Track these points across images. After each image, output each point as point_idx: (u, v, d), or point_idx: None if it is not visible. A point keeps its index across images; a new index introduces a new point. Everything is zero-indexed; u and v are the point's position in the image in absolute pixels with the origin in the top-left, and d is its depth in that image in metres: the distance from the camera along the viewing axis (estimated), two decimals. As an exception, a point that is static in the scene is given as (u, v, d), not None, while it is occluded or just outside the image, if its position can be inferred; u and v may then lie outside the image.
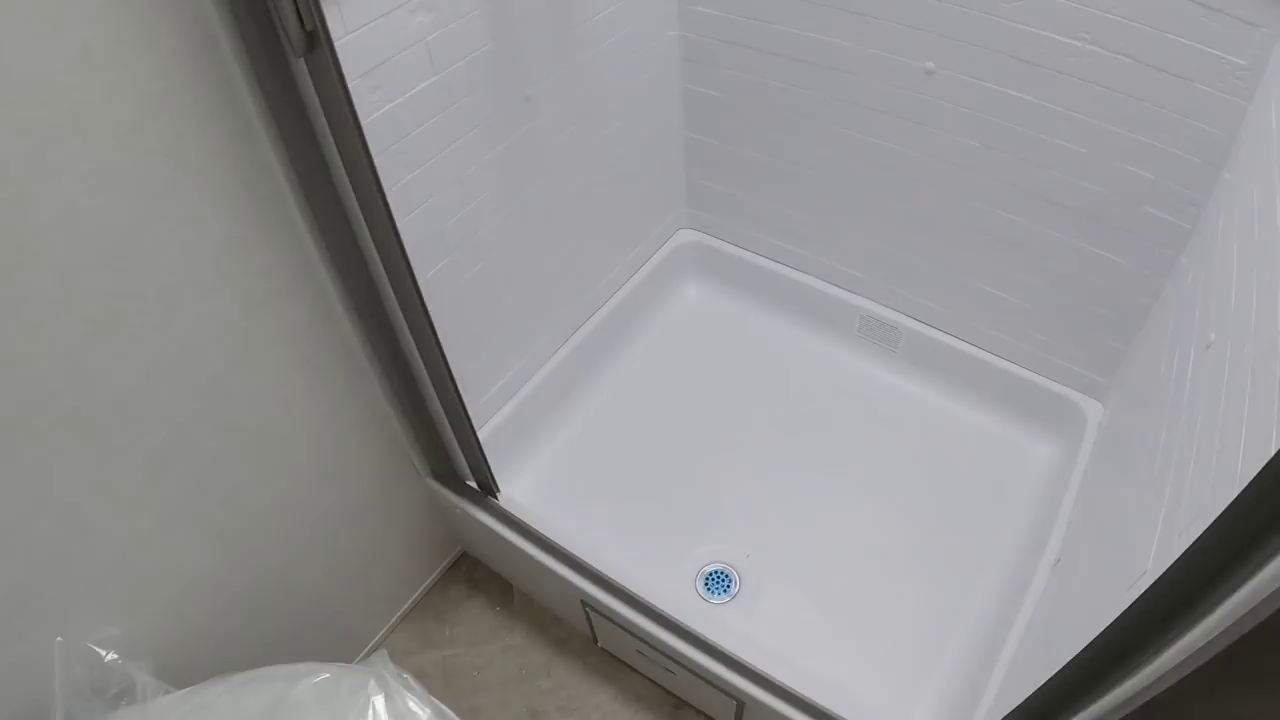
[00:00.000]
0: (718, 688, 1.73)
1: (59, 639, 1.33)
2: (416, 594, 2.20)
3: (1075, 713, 1.10)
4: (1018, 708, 1.25)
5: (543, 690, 2.01)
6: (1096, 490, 1.74)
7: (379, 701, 1.32)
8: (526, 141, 1.91)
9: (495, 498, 1.90)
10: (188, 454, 1.42)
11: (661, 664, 1.85)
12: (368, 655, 2.02)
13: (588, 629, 2.04)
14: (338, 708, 1.31)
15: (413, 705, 1.32)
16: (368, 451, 1.80)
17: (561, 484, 2.03)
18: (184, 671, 1.41)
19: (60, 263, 1.13)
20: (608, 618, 1.83)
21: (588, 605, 1.86)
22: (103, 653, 1.35)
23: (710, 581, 2.06)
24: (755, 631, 1.77)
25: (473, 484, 1.92)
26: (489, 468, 1.83)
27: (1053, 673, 1.12)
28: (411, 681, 1.35)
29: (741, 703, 1.73)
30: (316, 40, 1.11)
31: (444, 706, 1.35)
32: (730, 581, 2.06)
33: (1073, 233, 1.92)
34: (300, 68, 1.17)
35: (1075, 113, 1.74)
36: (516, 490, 1.98)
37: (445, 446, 1.82)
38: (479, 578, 2.26)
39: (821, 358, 2.48)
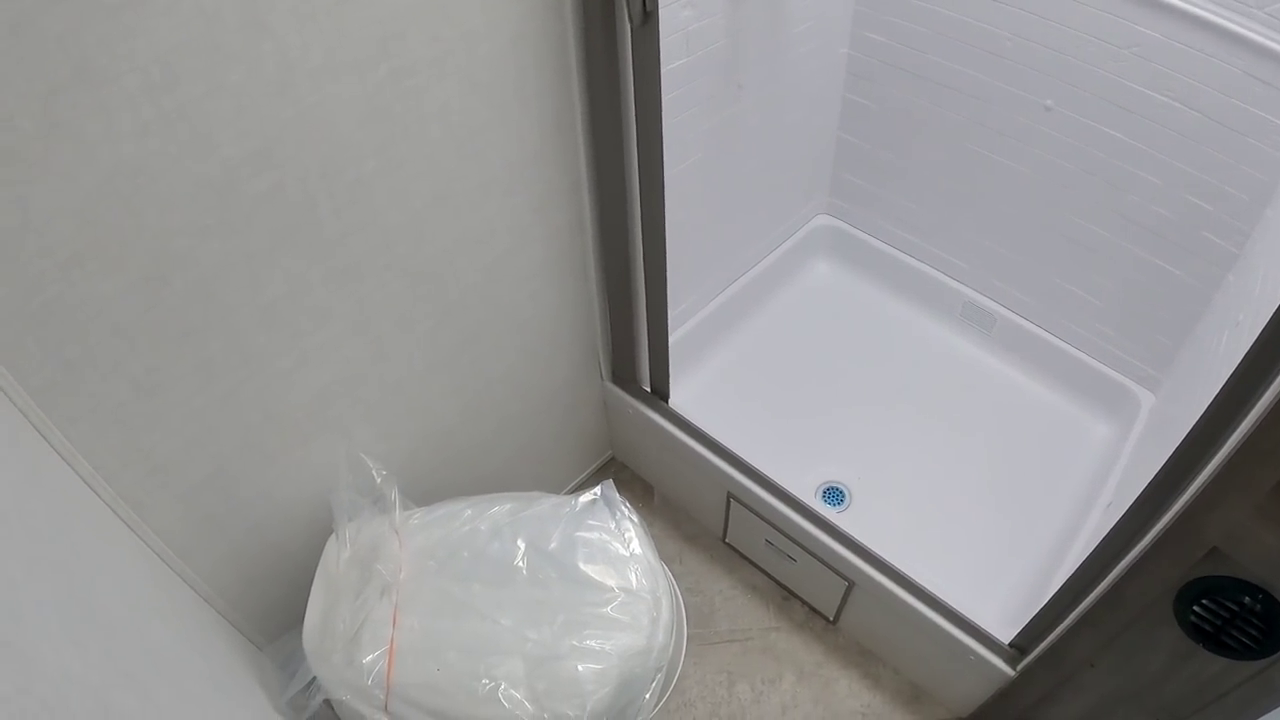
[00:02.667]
0: (833, 569, 1.97)
1: (344, 444, 1.60)
2: (570, 485, 2.44)
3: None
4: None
5: (675, 574, 2.16)
6: (1143, 461, 1.96)
7: (608, 519, 1.58)
8: (729, 121, 2.21)
9: (666, 401, 2.17)
10: (461, 316, 1.68)
11: (785, 552, 2.10)
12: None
13: (721, 523, 2.24)
14: (573, 520, 1.57)
15: (631, 530, 1.57)
16: (571, 348, 2.02)
17: (708, 407, 2.24)
18: (416, 498, 1.65)
19: (429, 143, 1.41)
20: (747, 506, 2.08)
21: (732, 495, 2.11)
22: (371, 464, 1.57)
23: (827, 494, 2.34)
24: (862, 537, 1.99)
25: (647, 388, 2.19)
26: (668, 374, 2.10)
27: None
28: (631, 510, 1.59)
29: (852, 583, 1.97)
30: (650, 16, 1.43)
31: (650, 540, 1.58)
32: (844, 496, 2.34)
33: (1143, 247, 2.21)
34: (625, 35, 1.48)
35: (1155, 151, 2.04)
36: (675, 403, 2.23)
37: (634, 352, 2.09)
38: (624, 479, 2.50)
39: (927, 333, 2.74)
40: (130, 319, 1.13)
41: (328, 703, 1.43)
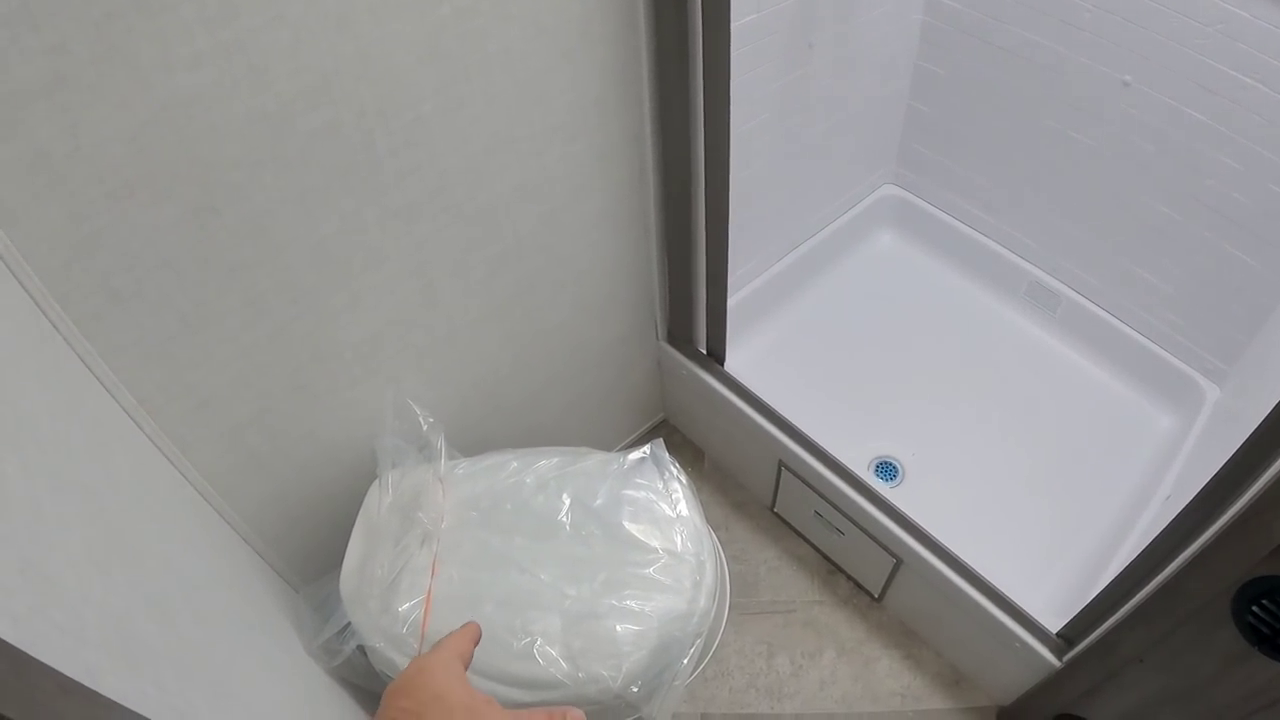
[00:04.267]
0: (882, 545, 1.94)
1: (391, 388, 1.57)
2: (620, 445, 2.41)
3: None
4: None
5: (720, 541, 2.12)
6: (1205, 455, 1.87)
7: (656, 479, 1.55)
8: (799, 82, 2.17)
9: (721, 364, 2.14)
10: (517, 265, 1.66)
11: (833, 525, 2.06)
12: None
13: (770, 492, 2.22)
14: (620, 478, 1.53)
15: (679, 491, 1.53)
16: (628, 304, 1.99)
17: (763, 374, 2.21)
18: (462, 449, 1.62)
19: (490, 85, 1.38)
20: (798, 475, 2.05)
21: (784, 464, 2.08)
22: (418, 411, 1.55)
23: (880, 469, 2.30)
24: (913, 514, 1.95)
25: (703, 350, 2.15)
26: (725, 337, 2.07)
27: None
28: (679, 471, 1.56)
29: (900, 561, 1.93)
30: None
31: (698, 503, 1.54)
32: (897, 471, 2.30)
33: (1219, 234, 2.11)
34: None
35: (1238, 135, 1.95)
36: (730, 367, 2.19)
37: (692, 313, 2.05)
38: (674, 442, 2.47)
39: (989, 311, 2.68)
40: (179, 251, 1.12)
41: (361, 649, 1.43)
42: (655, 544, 1.42)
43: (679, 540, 1.44)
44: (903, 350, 2.59)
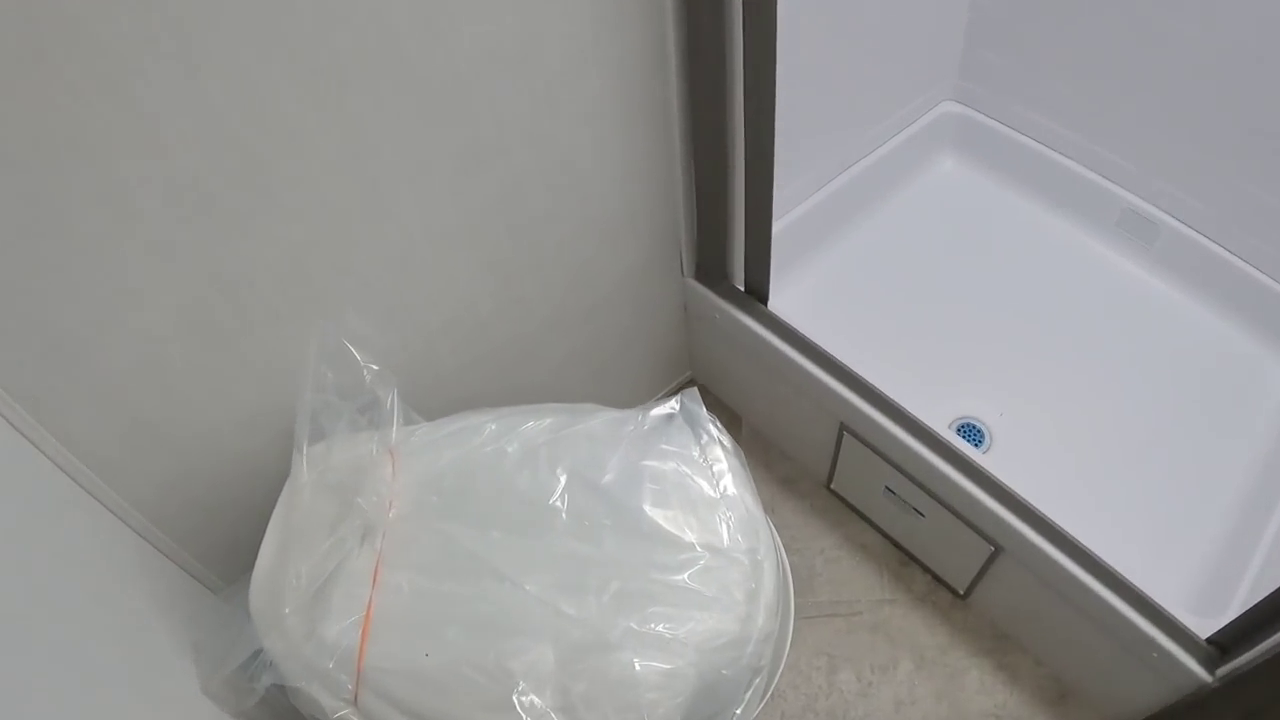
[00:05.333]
0: (975, 527, 1.61)
1: (321, 323, 1.23)
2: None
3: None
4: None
5: None
6: None
7: (689, 443, 1.19)
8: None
9: (765, 304, 1.80)
10: (496, 163, 1.32)
11: (910, 503, 1.75)
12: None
13: (827, 464, 1.92)
14: (639, 444, 1.18)
15: (723, 459, 1.18)
16: (644, 227, 1.69)
17: (811, 317, 1.91)
18: (429, 412, 1.31)
19: None
20: (865, 441, 1.73)
21: (846, 427, 1.76)
22: (358, 356, 1.24)
23: (963, 434, 1.96)
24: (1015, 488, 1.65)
25: (740, 287, 1.82)
26: (768, 269, 1.73)
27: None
28: (722, 431, 1.21)
29: (999, 548, 1.61)
30: None
31: (749, 477, 1.21)
32: (982, 436, 1.96)
33: None
34: None
35: None
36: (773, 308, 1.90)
37: (727, 238, 1.72)
38: (705, 405, 2.17)
39: (1075, 245, 2.37)
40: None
41: (282, 687, 1.08)
42: (691, 538, 1.08)
43: (725, 531, 1.09)
44: (974, 293, 2.27)
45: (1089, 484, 1.90)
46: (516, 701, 0.95)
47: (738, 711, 1.00)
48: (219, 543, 1.31)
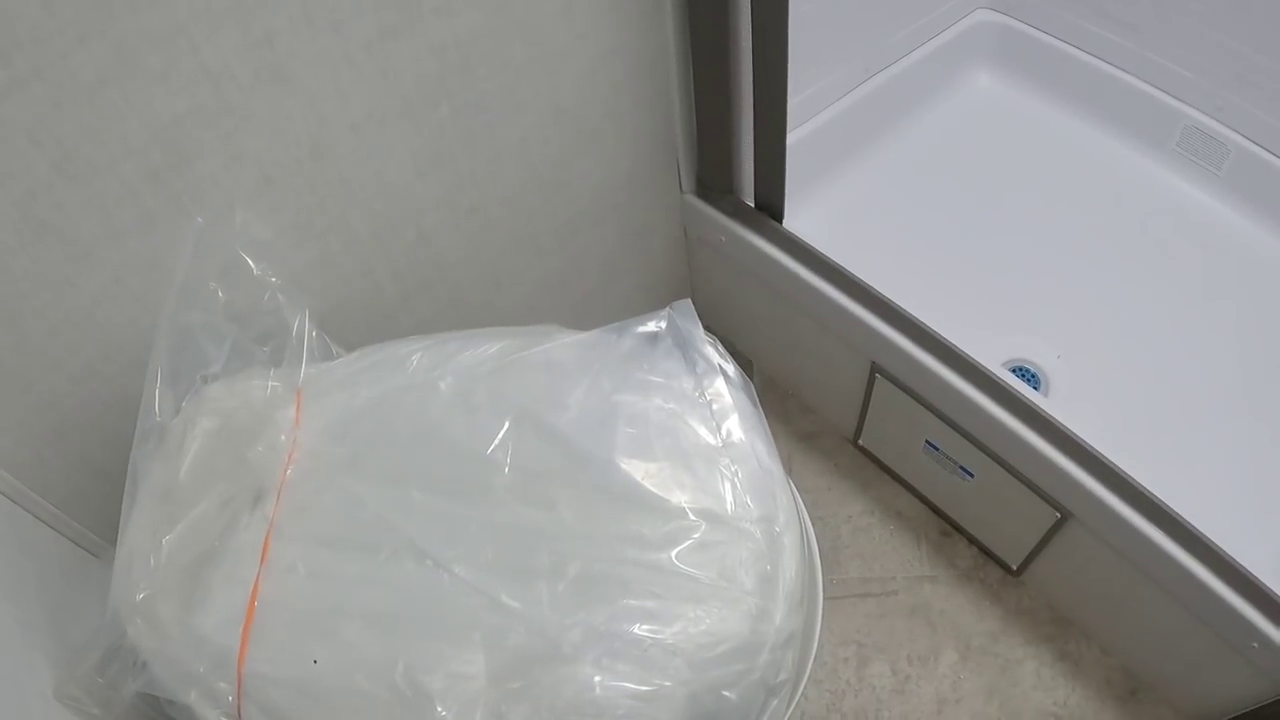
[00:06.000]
0: (1038, 489, 1.42)
1: (200, 220, 1.01)
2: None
3: None
4: None
5: None
6: None
7: (680, 373, 0.93)
8: None
9: (779, 221, 1.59)
10: (454, 26, 1.11)
11: (955, 460, 1.55)
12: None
13: (855, 416, 1.75)
14: (613, 372, 0.92)
15: (725, 394, 0.92)
16: (634, 126, 1.46)
17: (833, 242, 1.73)
18: (354, 344, 1.08)
19: None
20: (901, 385, 1.53)
21: (878, 368, 1.56)
22: (254, 266, 1.02)
23: (1016, 375, 1.75)
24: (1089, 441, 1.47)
25: (750, 203, 1.62)
26: (783, 181, 1.52)
27: None
28: (724, 357, 0.96)
29: (1066, 514, 1.41)
30: None
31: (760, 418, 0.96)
32: (1038, 381, 1.79)
33: None
34: None
35: None
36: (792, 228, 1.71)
37: (732, 146, 1.51)
38: None
39: (1132, 168, 2.22)
40: None
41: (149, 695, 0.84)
42: (682, 500, 0.81)
43: (729, 493, 0.82)
44: (1016, 221, 2.12)
45: (1167, 437, 1.73)
46: None
47: None
48: (107, 504, 1.08)
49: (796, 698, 0.87)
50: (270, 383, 0.93)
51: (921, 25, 2.20)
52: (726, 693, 0.72)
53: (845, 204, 2.07)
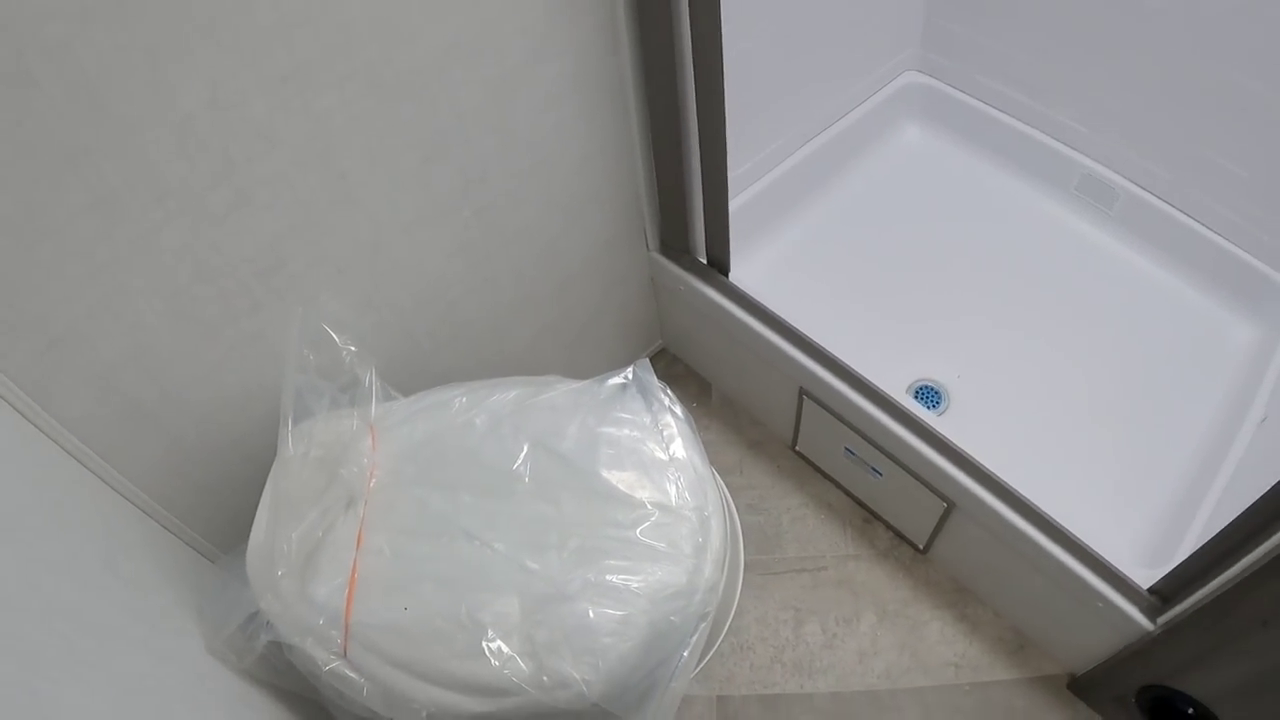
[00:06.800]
0: (929, 485, 1.70)
1: (300, 309, 1.30)
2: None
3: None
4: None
5: (733, 487, 2.00)
6: None
7: (642, 411, 1.27)
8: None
9: (726, 275, 1.87)
10: (461, 150, 1.38)
11: (868, 463, 1.82)
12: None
13: (791, 428, 2.00)
14: (595, 411, 1.27)
15: (672, 425, 1.26)
16: (609, 203, 1.74)
17: (776, 286, 1.97)
18: (406, 389, 1.39)
19: None
20: (824, 405, 1.80)
21: (805, 392, 1.83)
22: (336, 338, 1.32)
23: (920, 395, 2.04)
24: (966, 447, 1.71)
25: (703, 260, 1.89)
26: (728, 243, 1.80)
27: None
28: (672, 399, 1.30)
29: (952, 504, 1.69)
30: None
31: (697, 440, 1.29)
32: (940, 398, 2.03)
33: None
34: None
35: None
36: (737, 279, 1.96)
37: (687, 213, 1.79)
38: (676, 374, 2.25)
39: (1036, 210, 2.42)
40: None
41: (277, 644, 1.16)
42: (643, 496, 1.17)
43: (674, 490, 1.18)
44: (937, 258, 2.32)
45: (1047, 442, 1.97)
46: (486, 648, 1.05)
47: (685, 655, 1.10)
48: (215, 516, 1.38)
49: (725, 627, 1.24)
50: (353, 421, 1.27)
51: (857, 90, 2.41)
52: (673, 618, 1.08)
53: (785, 253, 2.30)
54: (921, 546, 1.92)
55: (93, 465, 1.14)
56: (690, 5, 1.38)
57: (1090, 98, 2.25)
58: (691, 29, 1.42)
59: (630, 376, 1.29)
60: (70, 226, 0.99)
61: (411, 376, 1.49)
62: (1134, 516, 1.84)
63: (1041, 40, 2.26)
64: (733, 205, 1.85)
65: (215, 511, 1.38)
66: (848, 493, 2.03)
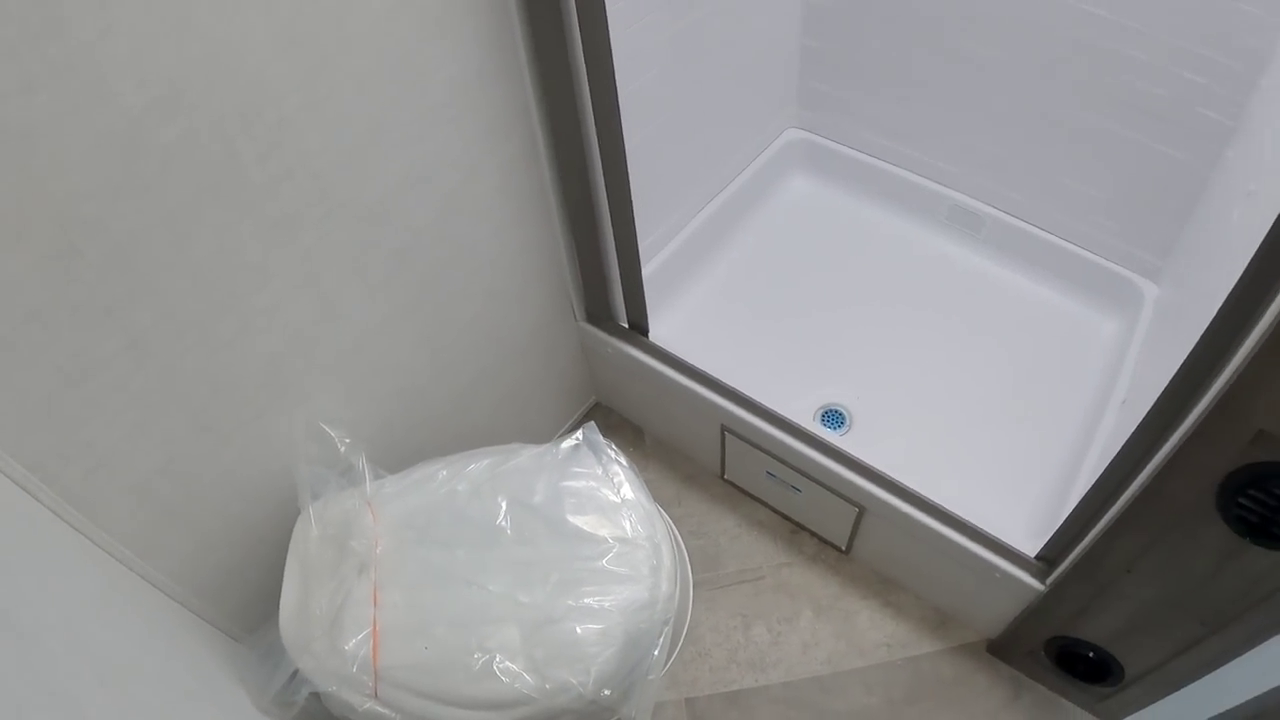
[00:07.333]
0: (840, 495, 1.91)
1: (300, 412, 1.50)
2: (557, 435, 2.27)
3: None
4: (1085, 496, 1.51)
5: (675, 517, 2.15)
6: (1155, 353, 1.93)
7: (594, 465, 1.50)
8: (688, 31, 2.12)
9: (645, 335, 2.09)
10: (418, 261, 1.59)
11: (788, 482, 2.04)
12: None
13: (717, 460, 2.19)
14: (557, 469, 1.49)
15: (620, 473, 1.49)
16: (541, 288, 1.94)
17: (692, 339, 2.21)
18: (391, 465, 1.58)
19: (356, 69, 1.31)
20: (743, 438, 2.02)
21: (726, 428, 2.05)
22: (333, 434, 1.49)
23: (826, 418, 2.26)
24: (868, 458, 1.93)
25: (624, 324, 2.11)
26: (645, 307, 2.02)
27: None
28: (618, 453, 1.52)
29: (862, 509, 1.91)
30: None
31: (642, 483, 1.51)
32: (844, 418, 2.26)
33: (1138, 130, 2.12)
34: None
35: (1144, 26, 1.96)
36: (656, 336, 2.17)
37: (607, 286, 2.01)
38: (612, 423, 2.44)
39: (914, 241, 2.67)
40: (43, 300, 1.04)
41: (315, 695, 1.36)
42: (604, 533, 1.38)
43: (628, 526, 1.40)
44: (832, 295, 2.56)
45: (943, 443, 2.20)
46: (496, 670, 1.26)
47: (655, 654, 1.33)
48: (237, 599, 1.52)
49: (684, 630, 1.44)
50: (353, 501, 1.47)
51: (745, 152, 2.64)
52: (642, 626, 1.31)
53: (697, 307, 2.50)
54: (844, 548, 2.11)
55: (136, 567, 1.27)
56: (595, 117, 1.62)
57: (950, 138, 2.52)
58: (598, 133, 1.65)
59: (581, 438, 1.52)
60: (110, 365, 1.14)
61: (394, 455, 1.67)
62: (1024, 497, 2.08)
63: (901, 92, 2.52)
64: (646, 271, 2.06)
65: (237, 595, 1.53)
66: (774, 510, 2.20)
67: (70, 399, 1.12)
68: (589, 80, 1.55)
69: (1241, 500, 1.22)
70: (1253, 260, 1.09)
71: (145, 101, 1.07)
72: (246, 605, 1.55)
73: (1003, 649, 1.96)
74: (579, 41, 1.49)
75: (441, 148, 1.52)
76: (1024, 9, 2.12)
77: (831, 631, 2.03)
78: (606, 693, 1.27)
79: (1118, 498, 1.44)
